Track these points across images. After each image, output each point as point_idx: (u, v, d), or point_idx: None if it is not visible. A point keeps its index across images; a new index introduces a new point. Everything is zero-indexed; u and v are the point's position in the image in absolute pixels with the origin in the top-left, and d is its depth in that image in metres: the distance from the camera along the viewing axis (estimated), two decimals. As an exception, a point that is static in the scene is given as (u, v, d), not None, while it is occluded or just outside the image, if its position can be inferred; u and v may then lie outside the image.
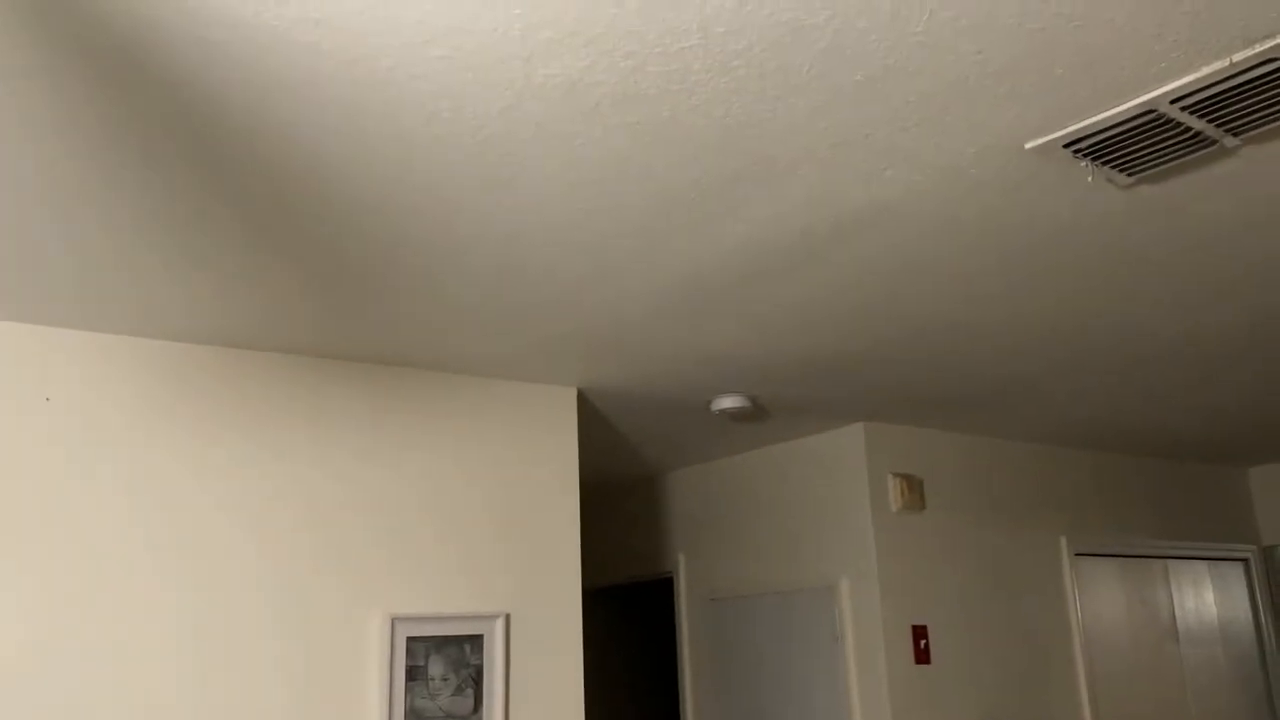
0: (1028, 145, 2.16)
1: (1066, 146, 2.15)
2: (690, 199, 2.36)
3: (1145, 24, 1.76)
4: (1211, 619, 5.84)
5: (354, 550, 3.35)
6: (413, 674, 3.34)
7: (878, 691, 4.41)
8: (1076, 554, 5.28)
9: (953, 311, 3.22)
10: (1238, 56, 1.84)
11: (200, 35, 1.68)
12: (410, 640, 3.36)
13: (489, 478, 3.67)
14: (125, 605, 2.96)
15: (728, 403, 4.13)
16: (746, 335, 3.38)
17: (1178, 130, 2.08)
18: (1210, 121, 2.05)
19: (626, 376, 3.80)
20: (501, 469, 3.70)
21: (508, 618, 3.57)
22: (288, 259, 2.61)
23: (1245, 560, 6.18)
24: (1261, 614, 6.08)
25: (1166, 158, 2.19)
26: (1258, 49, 1.81)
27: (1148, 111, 2.00)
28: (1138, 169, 2.25)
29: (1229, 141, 2.13)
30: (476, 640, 3.49)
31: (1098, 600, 5.32)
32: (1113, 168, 2.25)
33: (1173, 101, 1.97)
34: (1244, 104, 1.99)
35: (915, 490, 4.72)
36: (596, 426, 4.53)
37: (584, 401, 4.12)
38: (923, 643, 4.53)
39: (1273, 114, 2.03)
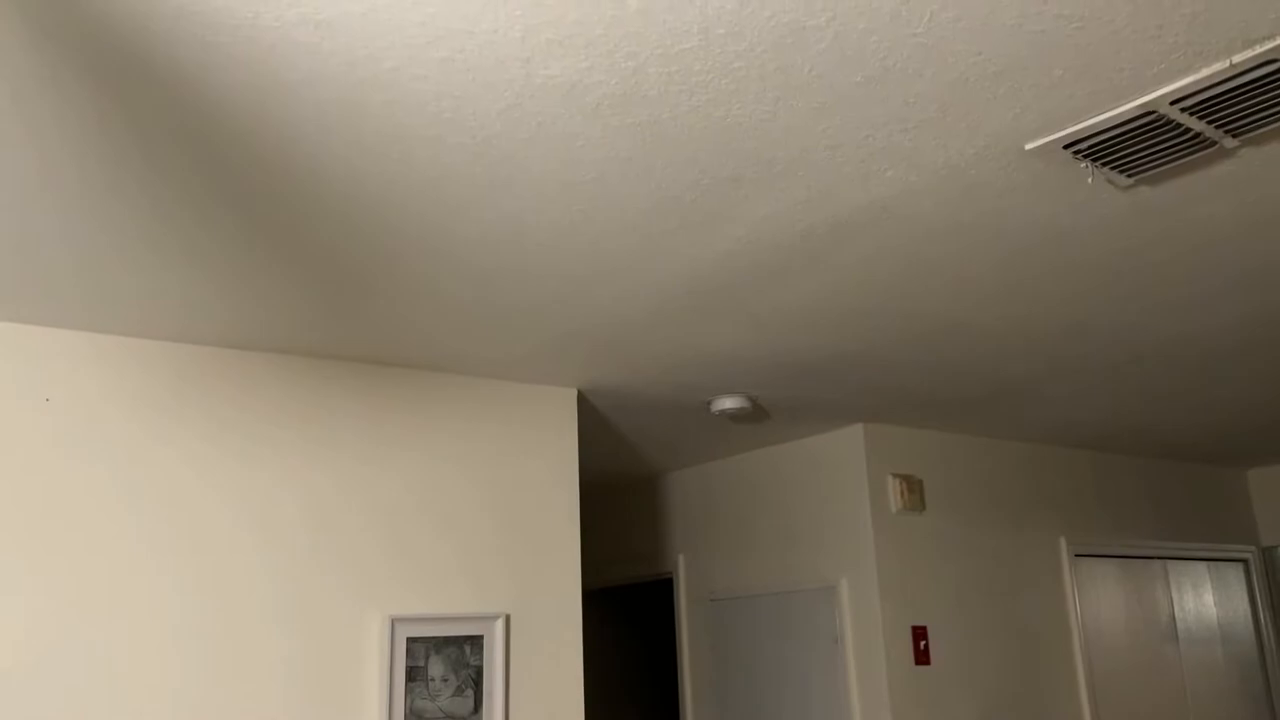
0: (1027, 146, 2.16)
1: (1066, 147, 2.15)
2: (690, 199, 2.36)
3: (1145, 25, 1.76)
4: (1211, 620, 5.84)
5: (354, 551, 3.35)
6: (413, 675, 3.34)
7: (877, 692, 4.41)
8: (1076, 555, 5.28)
9: (952, 312, 3.23)
10: (1238, 58, 1.84)
11: (201, 36, 1.68)
12: (410, 641, 3.36)
13: (489, 478, 3.67)
14: (125, 606, 2.96)
15: (727, 403, 4.13)
16: (746, 336, 3.38)
17: (1177, 131, 2.08)
18: (1210, 123, 2.05)
19: (626, 377, 3.80)
20: (502, 470, 3.71)
21: (508, 618, 3.57)
22: (288, 260, 2.61)
23: (1245, 561, 6.18)
24: (1261, 615, 6.08)
25: (1166, 159, 2.19)
26: (1258, 50, 1.82)
27: (1147, 113, 2.00)
28: (1137, 170, 2.26)
29: (1229, 143, 2.13)
30: (476, 641, 3.49)
31: (1097, 601, 5.32)
32: (1112, 169, 2.25)
33: (1172, 103, 1.97)
34: (1244, 105, 1.99)
35: (915, 491, 4.72)
36: (596, 427, 4.53)
37: (584, 402, 4.12)
38: (922, 643, 4.54)
39: (1272, 115, 2.03)
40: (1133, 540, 5.60)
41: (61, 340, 3.03)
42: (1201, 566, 5.93)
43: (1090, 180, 2.35)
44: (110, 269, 2.63)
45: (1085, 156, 2.18)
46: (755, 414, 4.42)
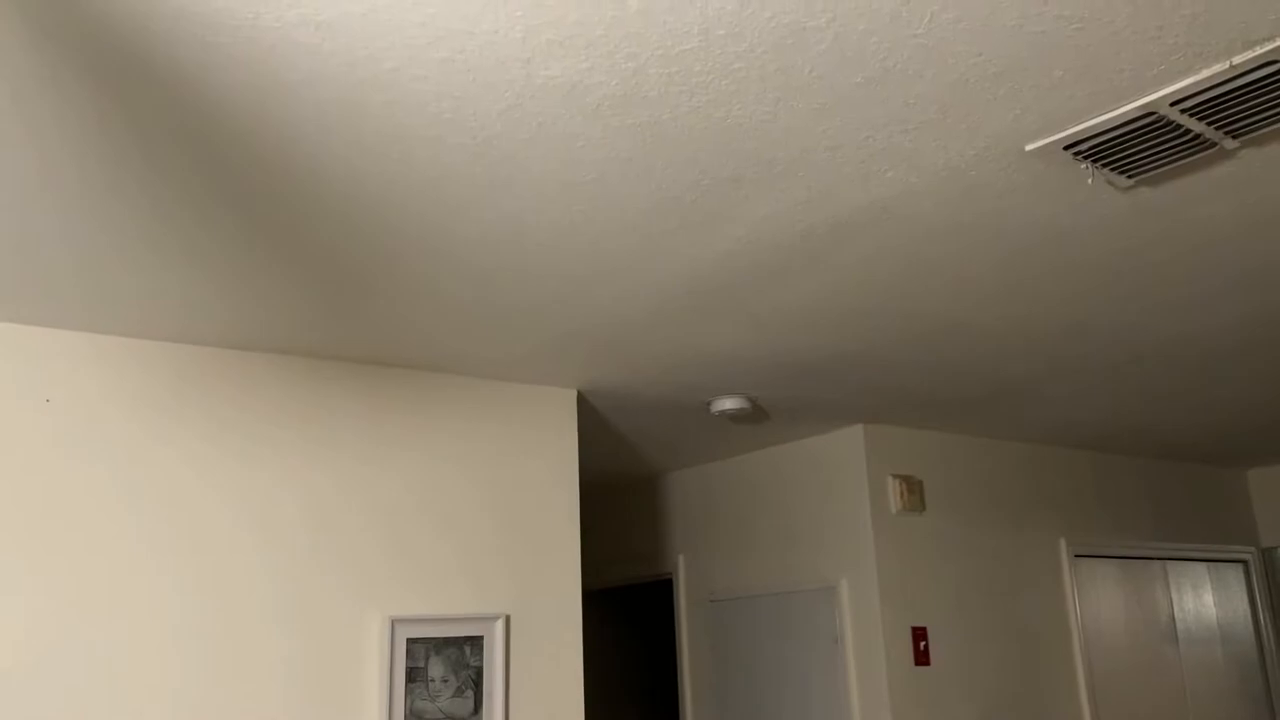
0: (1028, 147, 2.16)
1: (1066, 148, 2.15)
2: (690, 200, 2.36)
3: (1145, 26, 1.76)
4: (1211, 620, 5.84)
5: (354, 552, 3.35)
6: (413, 675, 3.34)
7: (877, 693, 4.41)
8: (1076, 555, 5.28)
9: (953, 313, 3.23)
10: (1238, 59, 1.84)
11: (202, 37, 1.69)
12: (410, 642, 3.36)
13: (489, 479, 3.67)
14: (125, 606, 2.96)
15: (727, 404, 4.13)
16: (746, 336, 3.38)
17: (1177, 132, 2.08)
18: (1210, 124, 2.05)
19: (626, 377, 3.80)
20: (502, 470, 3.71)
21: (508, 619, 3.57)
22: (288, 260, 2.61)
23: (1244, 562, 6.18)
24: (1260, 615, 6.08)
25: (1166, 160, 2.19)
26: (1258, 51, 1.82)
27: (1148, 114, 2.00)
28: (1138, 171, 2.26)
29: (1229, 144, 2.13)
30: (476, 641, 3.49)
31: (1097, 602, 5.32)
32: (1113, 170, 2.25)
33: (1173, 104, 1.97)
34: (1244, 106, 1.99)
35: (915, 492, 4.72)
36: (596, 427, 4.53)
37: (584, 402, 4.13)
38: (922, 644, 4.54)
39: (1272, 116, 2.03)
40: (1132, 541, 5.60)
41: (61, 340, 3.03)
42: (1201, 567, 5.93)
43: (1090, 181, 2.35)
44: (110, 269, 2.63)
45: (1085, 157, 2.18)
46: (755, 414, 4.42)
